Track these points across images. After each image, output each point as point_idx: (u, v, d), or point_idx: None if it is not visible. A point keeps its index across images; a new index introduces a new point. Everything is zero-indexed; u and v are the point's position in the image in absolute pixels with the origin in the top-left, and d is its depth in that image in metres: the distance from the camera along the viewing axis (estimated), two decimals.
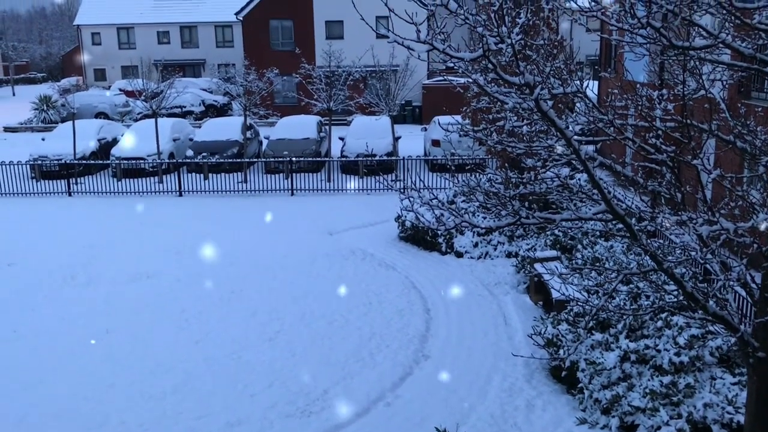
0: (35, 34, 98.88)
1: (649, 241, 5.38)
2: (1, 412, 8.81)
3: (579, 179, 6.18)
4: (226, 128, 24.68)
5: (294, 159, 21.16)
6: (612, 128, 5.59)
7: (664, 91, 6.05)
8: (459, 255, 14.45)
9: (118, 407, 8.87)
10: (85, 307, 12.19)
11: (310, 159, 22.12)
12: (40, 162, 22.38)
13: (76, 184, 21.26)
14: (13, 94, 57.19)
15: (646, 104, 5.89)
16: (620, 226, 5.36)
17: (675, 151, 5.62)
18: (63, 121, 32.43)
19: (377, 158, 21.60)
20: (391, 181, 19.17)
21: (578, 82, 5.58)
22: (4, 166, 20.86)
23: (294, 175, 20.74)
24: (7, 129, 37.06)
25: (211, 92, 42.58)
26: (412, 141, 26.93)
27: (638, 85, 6.23)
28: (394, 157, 22.01)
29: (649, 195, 6.00)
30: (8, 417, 8.67)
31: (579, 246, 12.74)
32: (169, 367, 9.93)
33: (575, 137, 5.06)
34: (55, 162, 22.04)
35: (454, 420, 8.17)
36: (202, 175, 21.62)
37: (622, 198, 5.59)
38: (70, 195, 20.87)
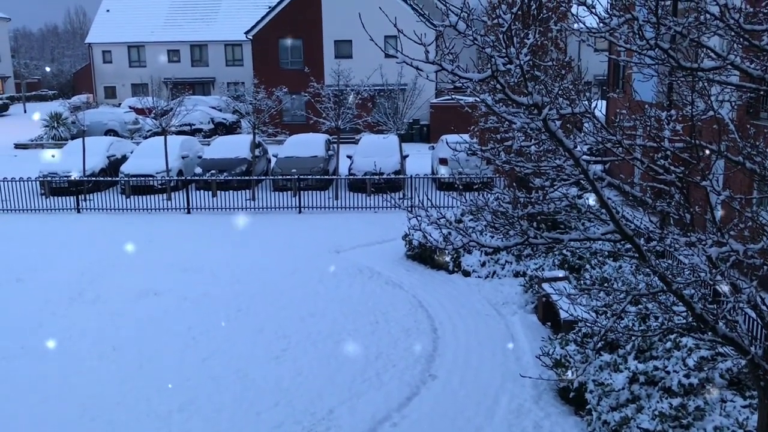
0: (47, 51, 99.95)
1: (657, 261, 5.35)
2: (8, 429, 8.79)
3: (587, 199, 6.16)
4: (234, 146, 24.81)
5: (302, 177, 21.22)
6: (620, 148, 5.59)
7: (673, 111, 6.05)
8: (466, 274, 14.41)
9: (124, 425, 8.84)
10: (92, 324, 12.20)
11: (318, 177, 22.18)
12: (49, 179, 22.52)
13: (85, 200, 21.37)
14: (25, 111, 57.66)
15: (654, 125, 5.89)
16: (629, 246, 5.34)
17: (684, 171, 5.61)
18: (73, 138, 32.66)
19: (385, 176, 21.63)
20: (399, 199, 19.19)
21: (586, 102, 5.58)
22: (14, 183, 20.99)
23: (302, 192, 20.78)
24: (17, 146, 37.34)
25: (220, 110, 42.87)
26: (420, 159, 26.98)
27: (647, 106, 6.24)
28: (401, 176, 22.04)
29: (658, 215, 5.98)
30: None
31: (587, 266, 12.68)
32: (176, 384, 9.90)
33: (583, 157, 5.07)
34: (65, 179, 22.18)
35: None
36: (210, 193, 21.69)
37: (631, 218, 5.57)
38: (78, 212, 20.97)
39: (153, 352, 11.01)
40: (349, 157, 23.73)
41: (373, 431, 8.70)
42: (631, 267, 11.97)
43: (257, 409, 9.21)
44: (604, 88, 24.45)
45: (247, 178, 22.12)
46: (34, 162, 26.92)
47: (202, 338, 11.53)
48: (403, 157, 23.50)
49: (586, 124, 6.03)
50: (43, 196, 22.13)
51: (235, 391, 9.69)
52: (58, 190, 22.28)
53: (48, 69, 78.94)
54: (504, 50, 4.34)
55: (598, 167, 4.99)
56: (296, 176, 21.19)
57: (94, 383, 10.01)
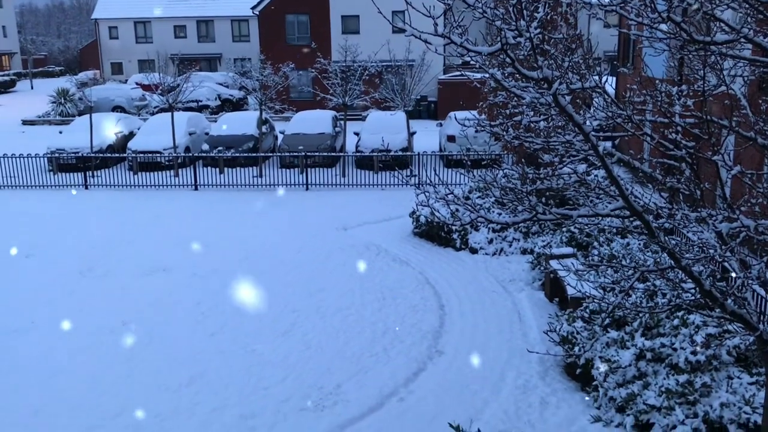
0: (53, 28, 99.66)
1: (666, 238, 5.32)
2: (18, 403, 8.90)
3: (596, 176, 6.12)
4: (241, 122, 24.76)
5: (309, 154, 21.18)
6: (630, 124, 5.53)
7: (684, 86, 5.98)
8: (473, 251, 14.41)
9: (134, 398, 8.93)
10: (102, 299, 12.29)
11: (325, 154, 22.13)
12: (57, 155, 22.57)
13: (93, 177, 21.42)
14: (32, 88, 57.68)
15: (665, 100, 5.83)
16: (637, 223, 5.32)
17: (694, 147, 5.56)
18: (80, 114, 32.69)
19: (392, 153, 21.56)
20: (406, 176, 19.15)
21: (597, 77, 5.52)
22: (22, 159, 21.05)
23: (309, 169, 20.77)
24: (25, 122, 37.40)
25: (227, 86, 42.73)
26: (428, 136, 26.87)
27: (657, 81, 6.17)
28: (409, 153, 21.97)
29: (668, 192, 5.94)
30: (25, 408, 8.75)
31: (595, 243, 12.66)
32: (185, 359, 9.99)
33: (593, 133, 5.02)
34: (73, 155, 22.22)
35: (468, 416, 8.15)
36: (217, 169, 21.70)
37: (640, 195, 5.54)
38: (86, 188, 21.03)
39: (162, 327, 11.09)
40: (357, 134, 23.65)
41: (381, 406, 8.76)
42: (639, 244, 11.94)
43: (265, 383, 9.28)
44: (615, 62, 24.22)
45: (254, 154, 22.10)
46: (42, 138, 26.97)
47: (211, 313, 11.60)
48: (411, 134, 23.40)
49: (595, 100, 5.97)
50: (51, 173, 22.18)
51: (244, 366, 9.77)
52: (66, 166, 22.33)
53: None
54: (514, 23, 4.29)
55: (608, 143, 4.95)
56: (303, 153, 21.15)
57: (104, 357, 10.10)
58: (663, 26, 4.84)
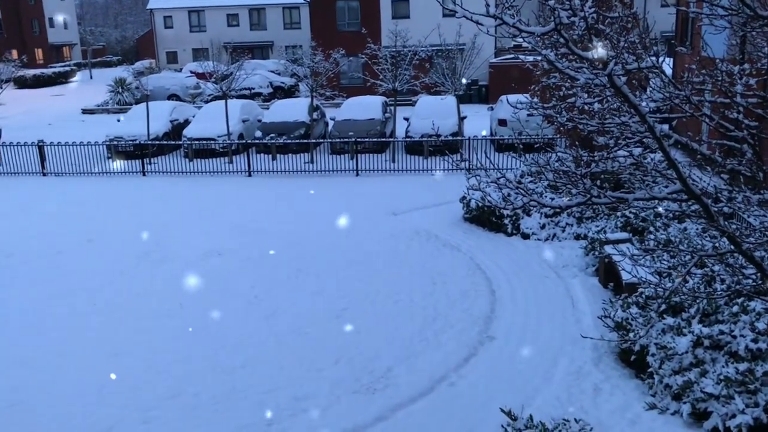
0: (111, 18, 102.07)
1: (726, 222, 5.17)
2: (83, 380, 9.23)
3: (652, 159, 5.98)
4: (293, 109, 24.98)
5: (359, 139, 21.25)
6: (689, 105, 5.38)
7: (746, 65, 5.78)
8: (525, 236, 14.26)
9: (190, 380, 9.17)
10: (159, 282, 12.62)
11: (375, 139, 22.16)
12: (116, 143, 23.19)
13: (150, 164, 21.94)
14: (91, 77, 59.29)
15: (725, 79, 5.64)
16: (696, 207, 5.18)
17: (757, 127, 5.37)
18: (137, 103, 33.46)
19: (442, 138, 21.44)
20: (457, 161, 19.02)
21: (654, 57, 5.38)
22: (82, 147, 21.70)
23: (359, 155, 20.84)
24: (85, 111, 38.51)
25: (278, 74, 43.11)
26: (478, 120, 26.63)
27: (717, 60, 5.97)
28: (459, 137, 21.82)
29: (728, 174, 5.76)
30: (89, 386, 9.08)
31: (651, 228, 12.38)
32: (239, 341, 10.20)
33: (649, 114, 4.90)
34: (130, 143, 22.80)
35: (519, 402, 8.10)
36: (270, 156, 21.97)
37: (698, 178, 5.38)
38: (144, 175, 21.56)
39: (217, 310, 11.33)
40: (406, 119, 23.60)
41: (431, 390, 8.79)
42: (697, 229, 11.63)
43: (318, 366, 9.41)
44: (672, 41, 23.50)
45: (305, 141, 22.29)
46: (100, 126, 27.74)
47: (265, 297, 11.80)
48: (461, 119, 23.22)
49: (652, 81, 5.82)
50: (110, 160, 22.81)
51: (296, 349, 9.92)
52: (124, 153, 22.92)
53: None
54: (567, 2, 4.21)
55: (665, 125, 4.82)
56: (353, 139, 21.23)
57: (161, 339, 10.39)
58: (724, 2, 4.68)
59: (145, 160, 21.79)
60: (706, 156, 5.58)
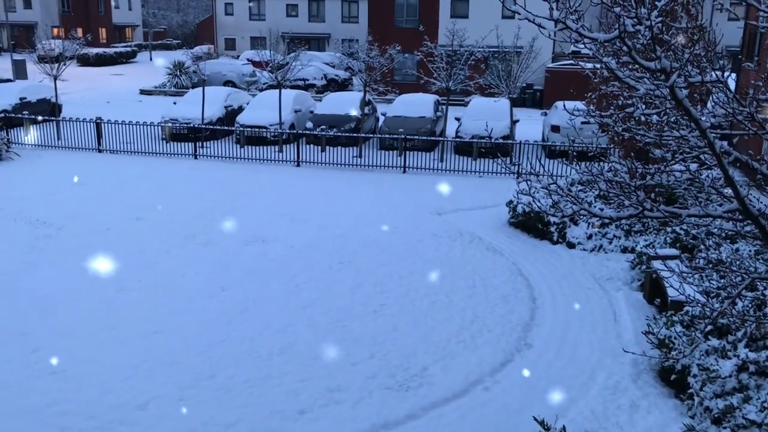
0: (173, 2, 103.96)
1: None
2: (122, 355, 9.45)
3: (709, 175, 5.82)
4: (345, 103, 25.08)
5: (408, 137, 21.22)
6: (752, 122, 5.21)
7: None
8: (571, 246, 14.06)
9: (226, 363, 9.31)
10: (203, 265, 12.82)
11: (425, 138, 22.10)
12: (171, 124, 23.64)
13: (202, 147, 22.31)
14: (151, 59, 60.57)
15: None
16: (751, 227, 5.02)
17: None
18: (194, 86, 34.06)
19: (493, 141, 21.28)
20: (507, 164, 18.85)
21: (719, 71, 5.23)
22: (138, 126, 22.19)
23: (407, 152, 20.82)
24: (143, 92, 39.38)
25: (333, 66, 43.37)
26: (531, 126, 26.36)
27: None
28: (510, 141, 21.61)
29: None
30: (128, 361, 9.29)
31: (702, 246, 12.07)
32: (277, 329, 10.30)
33: (710, 130, 4.77)
34: (184, 125, 23.22)
35: (553, 412, 8.00)
36: (319, 147, 22.12)
37: (756, 199, 5.21)
38: (195, 158, 21.94)
39: (258, 296, 11.47)
40: (458, 119, 23.48)
41: (465, 392, 8.74)
42: (750, 251, 11.29)
43: (353, 359, 9.45)
44: (738, 56, 22.84)
45: (355, 135, 22.37)
46: (157, 107, 28.31)
47: (305, 287, 11.89)
48: (513, 122, 23.00)
49: (714, 96, 5.66)
50: (164, 141, 23.27)
51: (333, 340, 9.97)
52: (177, 135, 23.36)
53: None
54: (634, 10, 4.12)
55: (725, 142, 4.68)
56: (403, 136, 21.22)
57: (201, 321, 10.56)
58: None
59: (197, 143, 22.16)
60: (766, 175, 5.40)
